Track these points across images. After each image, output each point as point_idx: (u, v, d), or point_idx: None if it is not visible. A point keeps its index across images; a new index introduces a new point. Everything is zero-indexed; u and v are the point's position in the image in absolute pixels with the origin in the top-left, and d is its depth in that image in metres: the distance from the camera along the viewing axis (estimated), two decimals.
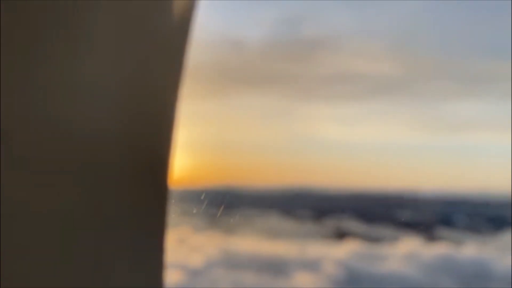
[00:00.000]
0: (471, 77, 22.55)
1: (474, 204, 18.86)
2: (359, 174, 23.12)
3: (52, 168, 0.66)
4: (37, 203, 0.66)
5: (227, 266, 10.18)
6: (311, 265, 10.81)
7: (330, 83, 22.77)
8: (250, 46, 21.66)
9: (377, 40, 22.15)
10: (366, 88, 23.02)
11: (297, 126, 22.74)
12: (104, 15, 0.69)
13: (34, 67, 0.65)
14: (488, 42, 22.63)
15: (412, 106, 23.10)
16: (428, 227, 16.37)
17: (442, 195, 19.53)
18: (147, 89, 0.75)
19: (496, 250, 13.03)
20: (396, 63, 21.84)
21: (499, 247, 13.67)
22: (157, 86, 0.77)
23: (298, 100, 22.68)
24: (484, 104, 23.17)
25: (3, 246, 0.64)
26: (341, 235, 14.44)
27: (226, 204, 16.85)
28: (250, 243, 12.32)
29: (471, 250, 12.72)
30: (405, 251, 12.08)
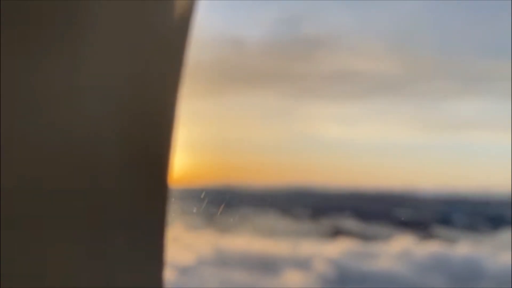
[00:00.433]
0: (471, 76, 22.47)
1: (473, 203, 18.80)
2: (359, 173, 23.07)
3: (51, 168, 0.67)
4: (37, 202, 0.66)
5: (217, 264, 10.23)
6: (302, 264, 10.84)
7: (330, 82, 22.73)
8: (250, 45, 21.69)
9: (377, 39, 22.09)
10: (366, 87, 22.96)
11: (296, 125, 22.75)
12: (104, 15, 0.69)
13: (33, 67, 0.65)
14: (488, 42, 22.52)
15: (412, 105, 23.04)
16: (426, 226, 16.36)
17: (441, 194, 19.49)
18: (147, 89, 0.75)
19: (491, 249, 13.03)
20: (396, 62, 21.80)
21: (494, 246, 13.66)
22: (157, 85, 0.77)
23: (298, 99, 22.70)
24: (484, 104, 23.11)
25: (3, 246, 0.64)
26: (337, 233, 14.46)
27: (224, 203, 16.90)
28: (244, 241, 12.37)
29: (464, 248, 12.71)
30: (398, 250, 12.09)
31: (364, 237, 13.94)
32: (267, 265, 10.56)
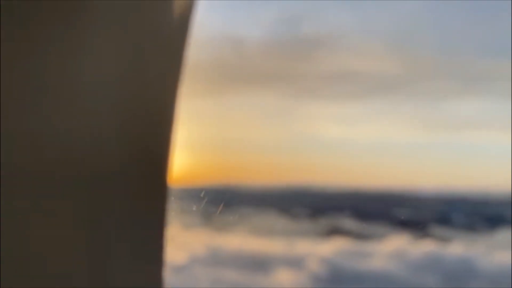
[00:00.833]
0: (471, 76, 22.40)
1: (472, 203, 18.75)
2: (358, 172, 23.05)
3: (50, 167, 0.67)
4: (36, 202, 0.66)
5: (210, 263, 10.27)
6: (295, 263, 10.86)
7: (330, 82, 22.71)
8: (250, 45, 21.70)
9: (377, 39, 22.05)
10: (365, 87, 22.93)
11: (296, 125, 22.75)
12: (103, 14, 0.70)
13: (32, 67, 0.66)
14: (488, 41, 22.45)
15: (411, 105, 23.00)
16: (424, 226, 16.34)
17: (441, 193, 19.44)
18: (146, 88, 0.75)
19: (486, 249, 13.00)
20: (396, 62, 21.75)
21: (491, 246, 13.63)
22: (157, 85, 0.77)
23: (298, 99, 22.70)
24: (484, 103, 23.04)
25: (3, 246, 0.64)
26: (335, 233, 14.46)
27: (223, 202, 16.94)
28: (239, 240, 12.40)
29: (459, 248, 12.69)
30: (392, 249, 12.09)
31: (361, 237, 13.94)
32: (260, 264, 10.59)
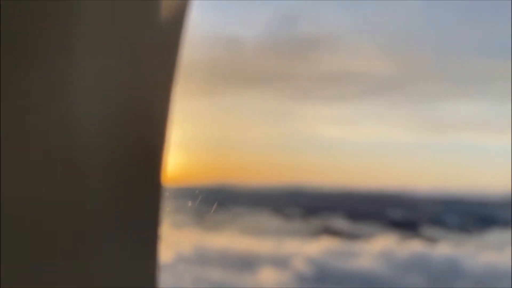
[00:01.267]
0: (467, 78, 22.36)
1: (466, 204, 18.74)
2: (355, 173, 23.05)
3: (45, 166, 0.67)
4: (34, 202, 0.67)
5: (196, 262, 10.32)
6: (282, 262, 10.90)
7: (327, 83, 22.70)
8: (246, 44, 21.73)
9: (374, 40, 22.03)
10: (362, 88, 22.92)
11: (292, 125, 22.77)
12: (97, 15, 0.70)
13: (28, 67, 0.66)
14: (486, 43, 22.39)
15: (407, 106, 22.98)
16: (417, 226, 16.36)
17: (435, 194, 19.45)
18: (140, 88, 0.75)
19: (475, 249, 13.00)
20: (393, 63, 21.74)
21: (480, 246, 13.63)
22: (150, 84, 0.77)
23: (294, 99, 22.71)
24: (479, 105, 23.00)
25: (2, 244, 0.65)
26: (326, 233, 14.50)
27: (218, 202, 17.01)
28: (229, 240, 12.45)
29: (446, 248, 12.70)
30: (379, 249, 12.11)
31: (351, 237, 13.97)
32: (246, 263, 10.63)
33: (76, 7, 0.67)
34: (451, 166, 23.15)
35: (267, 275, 10.34)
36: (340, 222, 16.45)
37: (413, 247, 12.58)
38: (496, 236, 15.12)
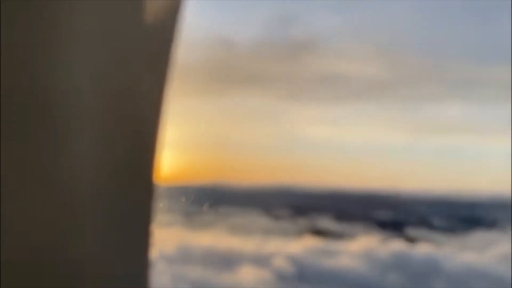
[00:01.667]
0: (456, 80, 22.42)
1: (452, 205, 18.84)
2: (343, 174, 23.15)
3: (34, 166, 0.68)
4: (30, 202, 0.68)
5: (178, 260, 10.40)
6: (263, 261, 10.97)
7: (318, 84, 22.75)
8: (240, 46, 21.78)
9: (365, 43, 22.09)
10: (352, 90, 22.98)
11: (284, 126, 22.85)
12: (89, 14, 0.70)
13: (15, 62, 0.66)
14: (475, 47, 22.44)
15: (396, 108, 23.06)
16: (404, 227, 16.46)
17: (422, 195, 19.54)
18: (132, 88, 0.75)
19: (456, 249, 13.07)
20: (383, 65, 21.79)
21: (463, 247, 13.71)
22: (143, 84, 0.76)
23: (285, 101, 22.78)
24: (468, 108, 23.08)
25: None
26: (312, 233, 14.59)
27: (208, 201, 17.11)
28: (214, 239, 12.52)
29: (429, 248, 12.77)
30: (361, 248, 12.18)
31: (336, 236, 14.05)
32: (227, 262, 10.70)
33: (64, 7, 0.68)
34: (439, 167, 23.20)
35: (247, 273, 10.41)
36: (327, 222, 16.54)
37: (395, 247, 12.65)
38: (479, 237, 15.21)
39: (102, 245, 0.73)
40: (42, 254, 0.68)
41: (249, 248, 11.86)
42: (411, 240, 13.96)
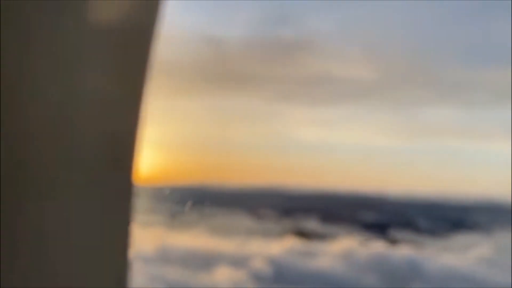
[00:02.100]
0: (447, 84, 22.42)
1: (438, 207, 18.81)
2: (331, 175, 23.10)
3: (14, 167, 0.67)
4: (5, 205, 0.67)
5: (155, 261, 10.37)
6: (242, 261, 10.94)
7: (308, 86, 22.71)
8: (230, 45, 21.75)
9: (357, 44, 22.07)
10: (343, 92, 22.95)
11: (273, 127, 22.81)
12: (69, 14, 0.69)
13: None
14: (467, 51, 22.44)
15: (386, 111, 23.03)
16: (389, 228, 16.43)
17: (409, 197, 19.51)
18: (111, 88, 0.74)
19: (437, 251, 13.04)
20: (374, 67, 21.77)
21: (445, 248, 13.67)
22: (122, 84, 0.75)
23: (275, 101, 22.75)
24: (458, 111, 23.07)
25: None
26: (295, 234, 14.54)
27: (194, 202, 17.06)
28: (194, 239, 12.49)
29: (409, 250, 12.73)
30: (341, 250, 12.14)
31: (319, 238, 14.01)
32: (205, 262, 10.66)
33: (45, 7, 0.66)
34: (427, 170, 23.17)
35: (223, 274, 10.38)
36: (312, 224, 16.50)
37: (375, 248, 12.62)
38: (462, 239, 15.18)
39: (81, 244, 0.72)
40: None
41: (229, 249, 11.83)
42: (393, 242, 13.93)
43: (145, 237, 11.60)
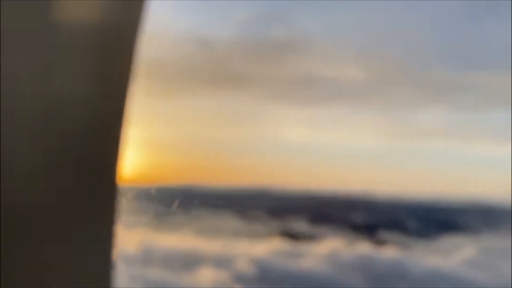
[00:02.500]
0: (435, 86, 22.43)
1: (427, 209, 18.80)
2: (319, 176, 23.08)
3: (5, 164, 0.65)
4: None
5: (138, 262, 10.32)
6: (225, 262, 10.91)
7: (296, 86, 22.69)
8: (219, 46, 21.70)
9: (346, 45, 22.06)
10: (331, 93, 22.94)
11: (262, 128, 22.77)
12: (47, 14, 0.68)
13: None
14: (456, 53, 22.46)
15: (375, 112, 23.02)
16: (377, 230, 16.40)
17: (398, 199, 19.49)
18: (94, 88, 0.73)
19: (423, 252, 13.02)
20: (363, 68, 21.75)
21: (431, 249, 13.64)
22: (104, 84, 0.75)
23: (263, 102, 22.71)
24: (446, 113, 23.07)
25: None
26: (282, 235, 14.50)
27: (180, 203, 16.99)
28: (179, 240, 12.46)
29: (395, 251, 12.71)
30: (327, 251, 12.12)
31: (306, 238, 13.96)
32: (188, 263, 10.63)
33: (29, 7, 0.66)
34: (416, 172, 23.18)
35: (206, 275, 10.34)
36: (300, 225, 16.45)
37: (361, 249, 12.60)
38: (448, 240, 15.16)
39: (65, 245, 0.74)
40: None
41: (214, 250, 11.80)
42: (380, 243, 13.89)
43: (129, 238, 11.54)
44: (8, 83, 0.65)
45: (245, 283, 10.34)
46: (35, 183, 0.68)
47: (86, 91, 0.72)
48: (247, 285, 10.26)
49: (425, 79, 22.13)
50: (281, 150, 23.36)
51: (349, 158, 23.16)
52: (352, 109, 22.87)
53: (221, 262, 10.86)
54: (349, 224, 16.51)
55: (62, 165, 0.70)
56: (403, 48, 22.16)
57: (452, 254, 12.97)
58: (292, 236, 14.15)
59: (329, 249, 12.23)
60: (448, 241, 15.11)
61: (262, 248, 12.25)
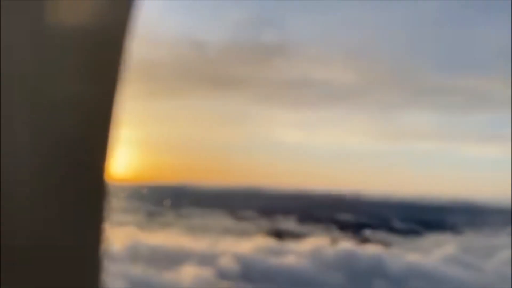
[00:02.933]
0: (424, 88, 22.62)
1: (414, 208, 18.99)
2: (310, 176, 23.30)
3: None
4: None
5: (124, 258, 10.46)
6: (210, 260, 11.04)
7: (287, 88, 22.87)
8: (211, 48, 21.83)
9: (336, 48, 22.23)
10: (322, 95, 23.13)
11: (252, 129, 22.97)
12: (36, 15, 0.69)
13: None
14: (445, 56, 22.64)
15: (364, 114, 23.22)
16: (365, 229, 16.60)
17: (386, 199, 19.70)
18: (83, 88, 0.74)
19: (403, 251, 13.14)
20: (353, 71, 21.93)
21: (413, 248, 13.78)
22: (94, 85, 0.75)
23: (255, 103, 22.92)
24: (435, 115, 23.26)
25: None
26: (270, 233, 14.66)
27: (172, 202, 17.19)
28: (166, 238, 12.59)
29: (374, 249, 12.82)
30: (310, 248, 12.24)
31: (293, 237, 14.11)
32: (173, 261, 10.74)
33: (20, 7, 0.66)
34: (403, 172, 23.37)
35: (189, 272, 10.50)
36: (289, 224, 16.64)
37: (343, 247, 12.74)
38: (432, 238, 15.34)
39: (53, 244, 0.72)
40: None
41: (200, 247, 11.94)
42: (364, 241, 14.06)
43: (118, 236, 11.69)
44: None
45: (228, 279, 10.52)
46: (24, 182, 0.69)
47: (75, 92, 0.72)
48: (230, 282, 10.44)
49: (413, 82, 22.29)
50: (272, 150, 23.56)
51: (339, 159, 23.36)
52: (342, 111, 23.07)
53: (205, 259, 11.04)
54: (337, 223, 16.71)
55: (51, 165, 0.70)
56: (393, 51, 22.31)
57: (433, 252, 13.16)
58: (278, 234, 14.34)
59: (312, 246, 12.42)
60: (431, 239, 15.30)
61: (247, 246, 12.42)
